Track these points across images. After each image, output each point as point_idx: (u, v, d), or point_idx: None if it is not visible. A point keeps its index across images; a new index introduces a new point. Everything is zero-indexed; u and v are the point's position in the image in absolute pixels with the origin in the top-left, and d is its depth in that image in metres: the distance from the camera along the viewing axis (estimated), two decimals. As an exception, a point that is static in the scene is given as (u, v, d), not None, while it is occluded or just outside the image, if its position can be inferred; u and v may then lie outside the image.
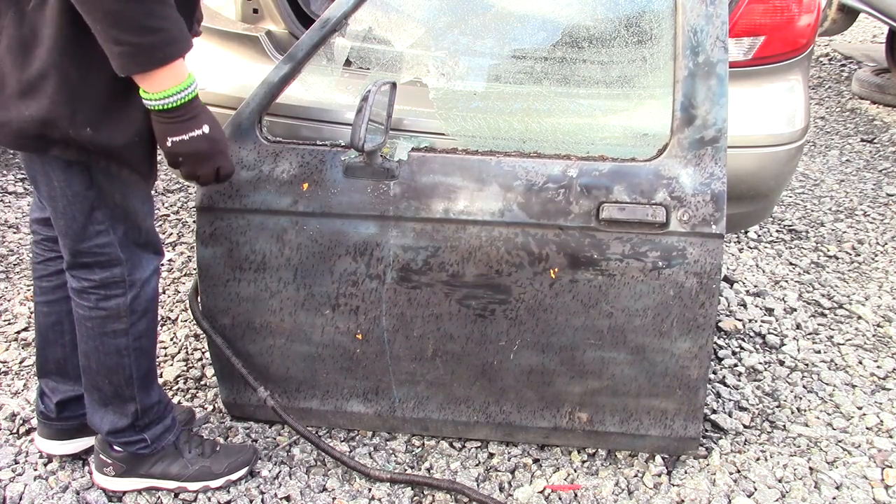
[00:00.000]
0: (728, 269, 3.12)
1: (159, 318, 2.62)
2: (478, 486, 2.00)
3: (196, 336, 2.56)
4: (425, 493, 1.97)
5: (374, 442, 2.13)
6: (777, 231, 3.47)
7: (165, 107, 1.46)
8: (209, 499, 1.92)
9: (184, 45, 1.45)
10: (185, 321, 2.65)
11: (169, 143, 1.51)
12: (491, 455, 2.10)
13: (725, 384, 2.42)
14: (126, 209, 1.66)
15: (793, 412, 2.32)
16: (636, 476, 2.04)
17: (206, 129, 1.52)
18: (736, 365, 2.52)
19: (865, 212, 3.69)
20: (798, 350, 2.61)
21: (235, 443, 2.08)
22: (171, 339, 2.55)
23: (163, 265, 2.98)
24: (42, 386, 1.94)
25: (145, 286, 1.75)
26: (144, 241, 1.73)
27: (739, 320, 2.77)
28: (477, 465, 2.07)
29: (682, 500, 1.97)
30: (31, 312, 2.61)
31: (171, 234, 3.27)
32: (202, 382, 2.36)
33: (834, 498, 1.99)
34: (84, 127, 1.49)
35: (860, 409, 2.33)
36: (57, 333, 1.89)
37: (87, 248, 1.66)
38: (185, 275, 2.95)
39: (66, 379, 1.91)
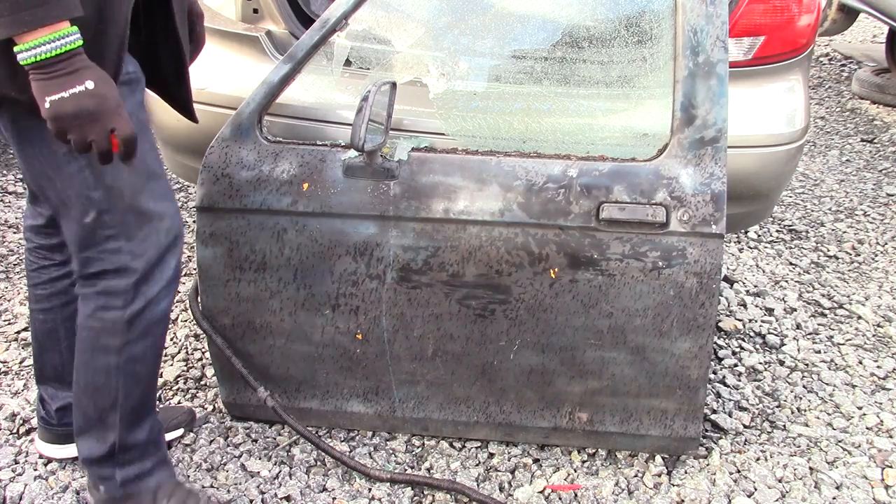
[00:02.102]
0: (728, 269, 3.12)
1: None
2: (478, 486, 2.00)
3: (196, 336, 2.56)
4: (425, 493, 1.97)
5: (374, 442, 2.13)
6: (777, 231, 3.47)
7: (38, 58, 1.28)
8: (209, 499, 1.92)
9: (63, 10, 1.28)
10: (185, 321, 2.65)
11: (47, 104, 1.31)
12: (491, 455, 2.10)
13: (725, 384, 2.42)
14: (138, 210, 1.55)
15: (793, 412, 2.32)
16: (636, 476, 2.04)
17: (89, 84, 1.31)
18: (736, 365, 2.52)
19: (865, 212, 3.69)
20: (798, 350, 2.61)
21: (223, 500, 1.93)
22: (172, 339, 2.55)
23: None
24: (41, 392, 1.93)
25: (152, 305, 1.61)
26: (164, 245, 1.60)
27: (739, 320, 2.77)
28: (477, 465, 2.07)
29: (682, 500, 1.97)
30: (31, 312, 2.61)
31: (171, 234, 3.27)
32: (202, 382, 2.36)
33: (834, 498, 1.99)
34: (29, 87, 1.35)
35: (860, 409, 2.33)
36: (53, 340, 1.86)
37: (95, 255, 1.57)
38: (185, 275, 2.95)
39: (65, 385, 1.88)
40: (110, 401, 1.66)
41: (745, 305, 2.86)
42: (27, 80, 1.34)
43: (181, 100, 1.78)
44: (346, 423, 2.12)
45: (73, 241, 1.59)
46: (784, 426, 2.25)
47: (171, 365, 2.43)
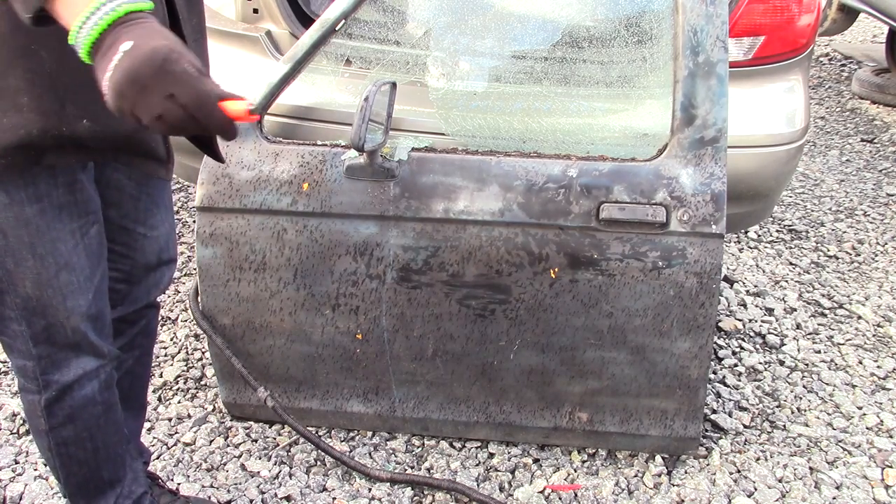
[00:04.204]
0: (728, 269, 3.12)
1: (159, 318, 2.62)
2: (478, 486, 2.00)
3: (196, 336, 2.56)
4: (425, 493, 1.97)
5: (374, 442, 2.13)
6: (777, 231, 3.47)
7: (88, 44, 1.01)
8: (209, 498, 1.92)
9: None
10: (185, 321, 2.65)
11: (104, 87, 1.02)
12: (491, 455, 2.10)
13: (725, 384, 2.42)
14: (42, 303, 1.35)
15: (793, 412, 2.32)
16: (636, 476, 2.04)
17: (126, 45, 0.99)
18: (736, 365, 2.52)
19: (865, 212, 3.69)
20: (798, 350, 2.61)
21: None
22: (171, 339, 2.55)
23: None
24: None
25: (70, 391, 1.44)
26: (72, 342, 1.41)
27: (739, 320, 2.77)
28: (477, 465, 2.07)
29: (682, 500, 1.97)
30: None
31: (171, 234, 3.27)
32: (202, 382, 2.36)
33: (834, 498, 1.99)
34: (79, 119, 1.21)
35: (860, 409, 2.33)
36: None
37: (1, 332, 1.40)
38: (185, 275, 2.95)
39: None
40: (58, 476, 1.58)
41: (745, 305, 2.86)
42: (80, 115, 1.19)
43: (204, 138, 1.48)
44: (346, 423, 2.12)
45: None
46: (784, 426, 2.25)
47: (171, 365, 2.43)
